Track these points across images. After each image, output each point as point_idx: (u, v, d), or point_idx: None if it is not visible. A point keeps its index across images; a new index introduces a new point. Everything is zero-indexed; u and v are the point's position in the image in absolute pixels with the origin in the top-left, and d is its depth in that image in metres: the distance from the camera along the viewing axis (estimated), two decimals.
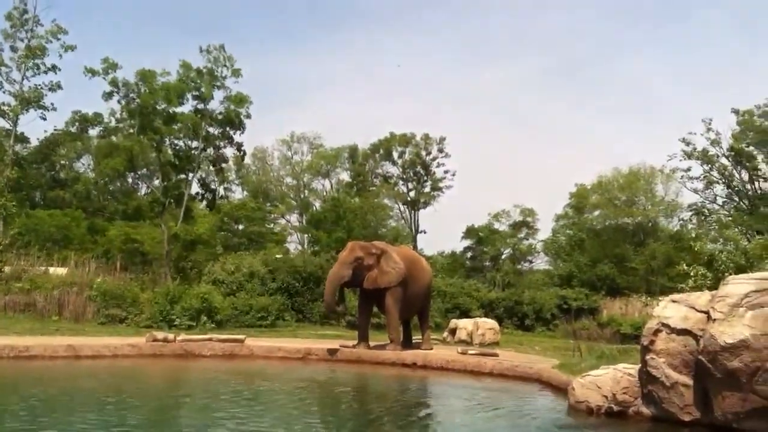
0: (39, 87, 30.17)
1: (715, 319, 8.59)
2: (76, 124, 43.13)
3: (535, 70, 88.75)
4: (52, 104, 30.94)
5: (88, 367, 13.14)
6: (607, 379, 9.80)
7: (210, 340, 15.77)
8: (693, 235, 31.60)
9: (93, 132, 43.48)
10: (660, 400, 9.17)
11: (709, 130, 39.79)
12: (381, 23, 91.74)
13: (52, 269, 23.54)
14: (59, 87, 30.57)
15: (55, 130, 41.15)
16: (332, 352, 15.70)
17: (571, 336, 23.18)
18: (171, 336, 15.46)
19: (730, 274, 10.83)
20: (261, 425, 8.60)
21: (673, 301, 9.66)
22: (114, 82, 31.52)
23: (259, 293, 23.46)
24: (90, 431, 7.65)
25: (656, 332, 9.30)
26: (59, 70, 30.40)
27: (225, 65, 32.44)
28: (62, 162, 46.17)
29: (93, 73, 31.13)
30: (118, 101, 32.49)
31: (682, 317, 9.21)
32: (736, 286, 8.85)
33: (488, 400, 11.31)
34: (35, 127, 53.71)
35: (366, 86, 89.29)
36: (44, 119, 31.36)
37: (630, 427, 9.16)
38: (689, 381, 8.94)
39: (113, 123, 35.71)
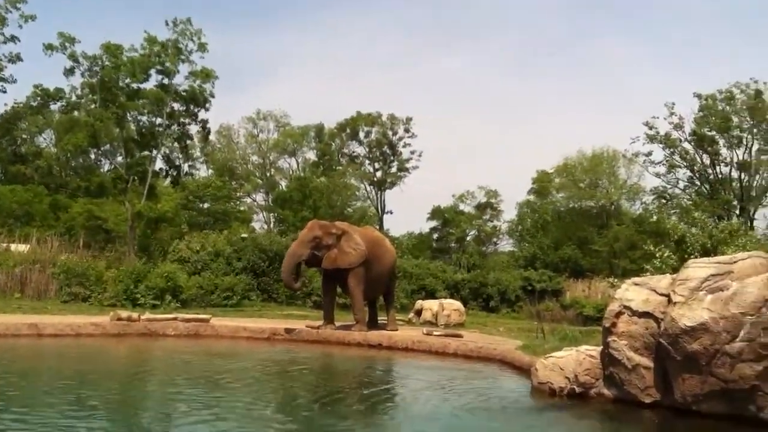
0: None
1: (675, 302, 8.74)
2: (38, 98, 42.34)
3: (502, 52, 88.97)
4: (12, 76, 30.42)
5: (51, 346, 13.02)
6: (570, 361, 9.92)
7: (175, 319, 15.69)
8: (656, 218, 31.98)
9: (55, 107, 42.78)
10: (621, 382, 9.32)
11: (672, 114, 40.29)
12: (349, 1, 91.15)
13: (13, 246, 23.20)
14: (19, 59, 30.13)
15: (15, 103, 40.42)
16: (289, 331, 15.70)
17: (534, 317, 23.43)
18: (135, 315, 15.35)
19: (696, 257, 11.01)
20: (220, 404, 8.61)
21: (635, 284, 9.80)
22: (73, 56, 30.92)
23: (224, 273, 23.36)
24: (51, 411, 7.57)
25: (618, 315, 9.44)
26: (18, 41, 29.88)
27: (191, 39, 32.00)
28: (23, 136, 45.34)
29: (51, 48, 30.53)
30: (81, 74, 31.94)
31: (644, 300, 9.35)
32: (697, 269, 9.01)
33: (451, 381, 11.40)
34: None
35: (333, 65, 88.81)
36: (4, 92, 30.89)
37: (592, 409, 9.30)
38: (650, 363, 9.09)
39: (75, 98, 35.13)
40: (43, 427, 6.89)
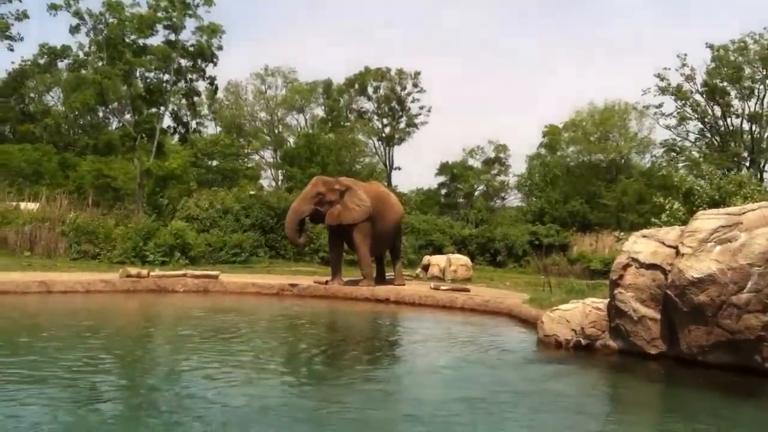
0: (4, 16, 29.36)
1: (683, 254, 8.73)
2: (45, 57, 42.11)
3: (512, 4, 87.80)
4: (19, 34, 30.20)
5: (60, 302, 13.13)
6: (576, 313, 9.96)
7: (184, 276, 15.79)
8: (665, 171, 31.75)
9: (62, 65, 42.56)
10: (627, 334, 9.35)
11: (683, 65, 39.76)
12: None
13: (23, 204, 23.29)
14: (25, 16, 29.89)
15: (23, 61, 40.20)
16: (294, 286, 15.79)
17: (541, 272, 23.50)
18: (144, 272, 15.46)
19: (705, 209, 10.94)
20: (228, 357, 8.70)
21: (643, 236, 9.80)
22: (78, 13, 30.65)
23: (232, 230, 23.43)
24: (62, 368, 7.66)
25: (625, 267, 9.44)
26: None
27: None
28: (31, 95, 45.22)
29: (55, 8, 30.26)
30: (86, 33, 31.69)
31: (652, 252, 9.34)
32: (706, 221, 8.98)
33: (459, 334, 11.48)
34: (3, 60, 52.41)
35: (341, 20, 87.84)
36: (11, 50, 30.69)
37: (597, 360, 9.35)
38: (656, 315, 9.11)
39: (81, 56, 34.89)
40: (53, 378, 6.99)
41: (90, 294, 14.06)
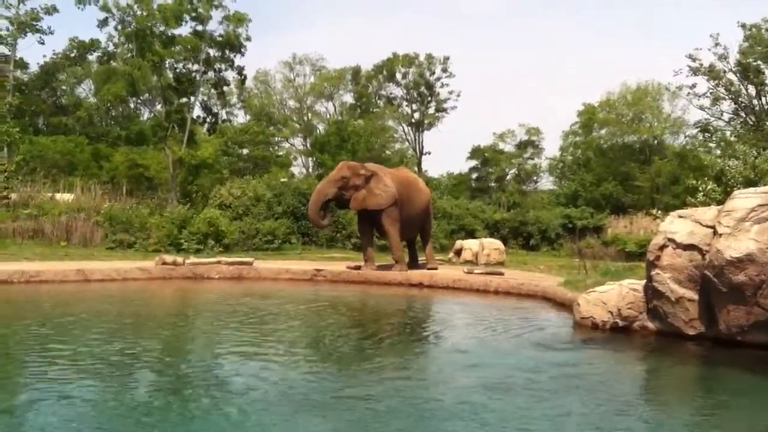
0: (35, 10, 29.73)
1: (721, 234, 8.62)
2: (75, 51, 42.59)
3: None
4: (50, 28, 30.63)
5: (98, 290, 13.31)
6: (613, 295, 9.89)
7: (219, 263, 15.96)
8: (699, 150, 31.34)
9: (92, 57, 42.99)
10: (665, 315, 9.27)
11: (716, 45, 39.07)
12: None
13: (58, 195, 23.66)
14: (55, 10, 30.21)
15: (54, 53, 40.69)
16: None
17: (575, 255, 23.34)
18: (180, 259, 15.64)
19: (739, 189, 10.78)
20: (264, 341, 8.78)
21: (680, 217, 9.69)
22: (106, 7, 30.90)
23: (265, 217, 23.56)
24: (102, 353, 7.79)
25: (662, 248, 9.35)
26: None
27: None
28: (63, 87, 45.80)
29: (82, 2, 30.52)
30: (115, 27, 31.96)
31: (689, 232, 9.24)
32: (743, 200, 8.85)
33: (494, 317, 11.45)
34: (34, 54, 53.02)
35: (369, 5, 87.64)
36: (42, 44, 31.11)
37: (635, 341, 9.30)
38: (694, 296, 9.02)
39: (111, 48, 35.22)
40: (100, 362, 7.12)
41: (127, 282, 14.26)
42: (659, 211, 20.89)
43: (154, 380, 6.84)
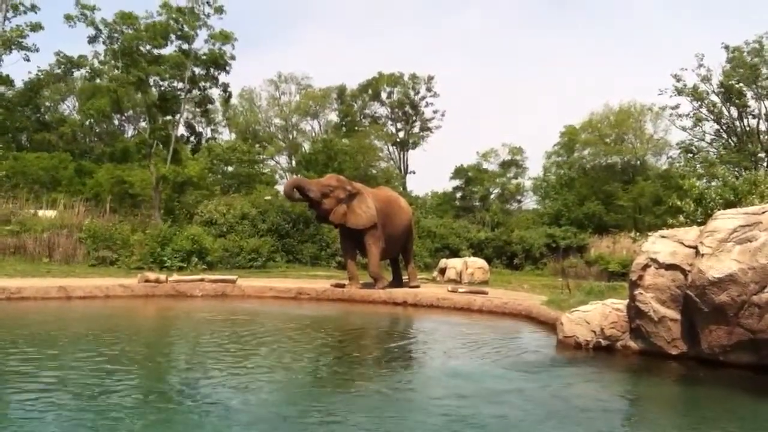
0: (20, 27, 29.63)
1: (703, 254, 8.68)
2: (61, 66, 42.47)
3: (526, 4, 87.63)
4: (35, 45, 30.48)
5: (80, 308, 13.19)
6: (596, 314, 9.92)
7: (202, 280, 15.87)
8: (680, 173, 31.59)
9: (77, 74, 42.89)
10: (648, 335, 9.31)
11: (700, 65, 39.56)
12: None
13: (41, 212, 23.48)
14: (40, 27, 30.04)
15: (38, 70, 40.56)
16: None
17: (559, 274, 23.42)
18: (163, 277, 15.54)
19: (719, 210, 10.87)
20: (246, 359, 8.72)
21: (662, 237, 9.75)
22: (93, 23, 30.85)
23: (249, 235, 23.52)
24: (84, 370, 7.71)
25: (645, 267, 9.40)
26: (39, 9, 29.90)
27: (207, 2, 31.81)
28: (47, 104, 45.62)
29: (70, 18, 30.48)
30: (103, 42, 31.94)
31: (671, 252, 9.30)
32: (725, 220, 8.93)
33: (478, 336, 11.43)
34: (19, 70, 52.93)
35: (353, 25, 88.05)
36: (27, 60, 30.88)
37: (618, 361, 9.31)
38: (677, 315, 9.07)
39: (97, 65, 35.16)
40: (74, 384, 7.03)
41: (109, 299, 14.14)
42: (638, 234, 21.02)
43: (125, 402, 6.73)
